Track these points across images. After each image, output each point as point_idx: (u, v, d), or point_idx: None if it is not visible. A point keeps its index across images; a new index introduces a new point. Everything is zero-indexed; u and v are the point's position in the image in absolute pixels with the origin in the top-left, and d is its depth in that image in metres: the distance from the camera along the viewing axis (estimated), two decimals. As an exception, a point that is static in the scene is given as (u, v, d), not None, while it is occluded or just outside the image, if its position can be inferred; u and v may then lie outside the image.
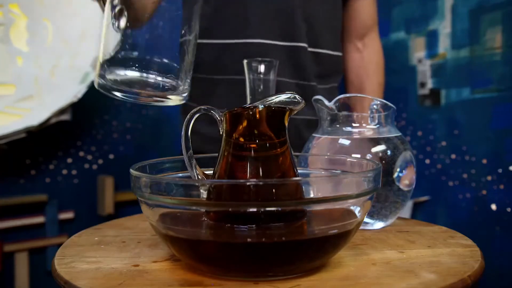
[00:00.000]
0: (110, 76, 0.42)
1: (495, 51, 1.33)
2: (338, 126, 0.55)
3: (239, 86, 0.78)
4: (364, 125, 0.55)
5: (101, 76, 0.42)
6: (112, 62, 0.42)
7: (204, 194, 0.38)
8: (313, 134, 0.58)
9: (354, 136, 0.54)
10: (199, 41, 0.83)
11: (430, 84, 1.52)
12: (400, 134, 0.56)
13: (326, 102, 0.55)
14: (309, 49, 0.81)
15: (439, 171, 1.50)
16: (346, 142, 0.54)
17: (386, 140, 0.53)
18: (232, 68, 0.80)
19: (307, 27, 0.80)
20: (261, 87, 0.64)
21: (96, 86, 0.43)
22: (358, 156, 0.52)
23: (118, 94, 0.42)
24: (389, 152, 0.52)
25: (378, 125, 0.55)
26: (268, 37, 0.79)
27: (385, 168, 0.51)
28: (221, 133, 0.42)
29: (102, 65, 0.42)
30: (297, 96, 0.41)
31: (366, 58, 0.91)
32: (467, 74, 1.40)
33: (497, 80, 1.33)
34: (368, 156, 0.52)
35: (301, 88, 0.81)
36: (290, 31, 0.79)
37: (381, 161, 0.51)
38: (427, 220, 0.59)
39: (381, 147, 0.53)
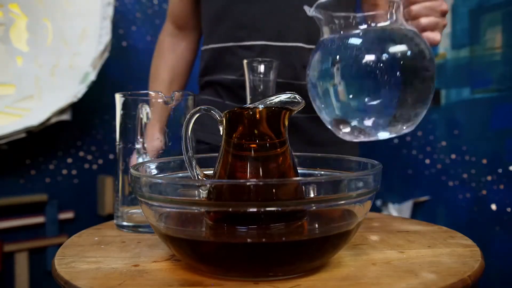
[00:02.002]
0: None
1: (495, 51, 1.33)
2: (351, 27, 0.50)
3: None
4: (377, 23, 0.50)
5: None
6: None
7: (204, 194, 0.38)
8: (321, 39, 0.53)
9: (371, 29, 0.49)
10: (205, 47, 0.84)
11: (430, 84, 1.52)
12: (413, 29, 0.52)
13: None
14: (307, 46, 0.81)
15: (439, 171, 1.50)
16: (364, 36, 0.48)
17: (406, 33, 0.49)
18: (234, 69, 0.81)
19: (303, 25, 0.80)
20: (261, 87, 0.64)
21: None
22: (375, 55, 0.47)
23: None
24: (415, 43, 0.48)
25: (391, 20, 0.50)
26: (264, 38, 0.79)
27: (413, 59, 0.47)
28: (221, 133, 0.42)
29: None
30: (297, 96, 0.41)
31: None
32: (467, 74, 1.40)
33: (497, 80, 1.34)
34: (392, 49, 0.48)
35: (297, 88, 0.81)
36: (286, 31, 0.79)
37: (408, 53, 0.47)
38: (427, 220, 0.59)
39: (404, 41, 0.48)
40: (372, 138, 0.51)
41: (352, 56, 0.47)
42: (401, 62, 0.47)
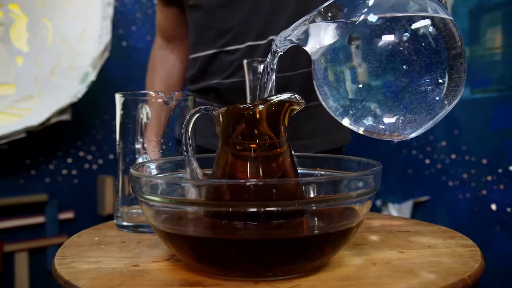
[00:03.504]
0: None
1: (495, 51, 1.33)
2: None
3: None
4: None
5: None
6: None
7: (203, 194, 0.38)
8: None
9: None
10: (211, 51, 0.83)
11: (430, 84, 1.52)
12: None
13: None
14: None
15: (439, 171, 1.50)
16: None
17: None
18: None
19: (286, 18, 0.78)
20: (261, 87, 0.64)
21: None
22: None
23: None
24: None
25: None
26: (249, 40, 0.79)
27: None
28: (218, 132, 0.42)
29: None
30: (297, 96, 0.41)
31: None
32: (467, 74, 1.40)
33: (497, 80, 1.34)
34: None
35: (283, 80, 0.79)
36: (269, 28, 0.78)
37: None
38: (427, 220, 0.59)
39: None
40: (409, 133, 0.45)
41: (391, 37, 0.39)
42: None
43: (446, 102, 0.44)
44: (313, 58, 0.42)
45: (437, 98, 0.42)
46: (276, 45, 0.45)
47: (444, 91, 0.42)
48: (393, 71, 0.40)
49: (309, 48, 0.43)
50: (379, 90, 0.40)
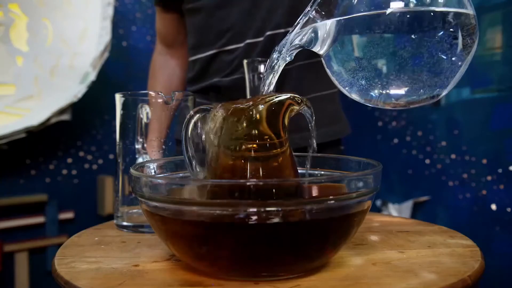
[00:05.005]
0: None
1: (495, 51, 1.33)
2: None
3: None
4: None
5: None
6: None
7: (203, 193, 0.38)
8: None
9: None
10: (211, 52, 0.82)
11: (430, 84, 1.52)
12: None
13: None
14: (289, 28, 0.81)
15: (439, 171, 1.50)
16: None
17: None
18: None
19: (283, 13, 0.79)
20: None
21: None
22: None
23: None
24: None
25: None
26: (248, 37, 0.79)
27: None
28: (216, 131, 0.42)
29: None
30: (297, 96, 0.41)
31: None
32: (467, 74, 1.40)
33: (497, 80, 1.34)
34: None
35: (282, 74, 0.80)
36: (267, 25, 0.78)
37: None
38: (427, 220, 0.59)
39: None
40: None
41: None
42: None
43: (465, 53, 0.44)
44: (324, 55, 0.42)
45: (454, 52, 0.43)
46: (279, 54, 0.44)
47: (460, 43, 0.42)
48: (411, 36, 0.40)
49: (318, 47, 0.43)
50: (405, 59, 0.40)
